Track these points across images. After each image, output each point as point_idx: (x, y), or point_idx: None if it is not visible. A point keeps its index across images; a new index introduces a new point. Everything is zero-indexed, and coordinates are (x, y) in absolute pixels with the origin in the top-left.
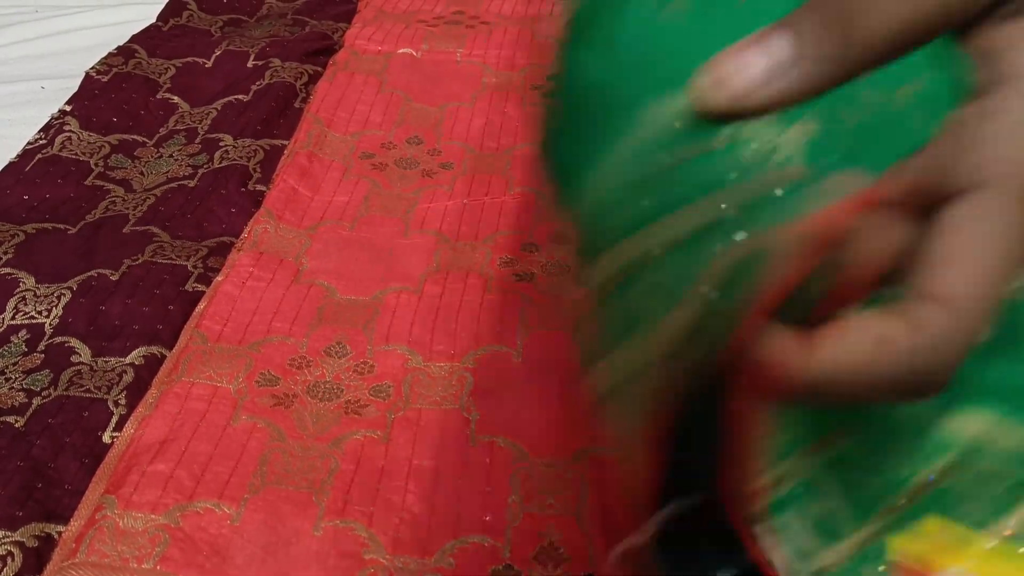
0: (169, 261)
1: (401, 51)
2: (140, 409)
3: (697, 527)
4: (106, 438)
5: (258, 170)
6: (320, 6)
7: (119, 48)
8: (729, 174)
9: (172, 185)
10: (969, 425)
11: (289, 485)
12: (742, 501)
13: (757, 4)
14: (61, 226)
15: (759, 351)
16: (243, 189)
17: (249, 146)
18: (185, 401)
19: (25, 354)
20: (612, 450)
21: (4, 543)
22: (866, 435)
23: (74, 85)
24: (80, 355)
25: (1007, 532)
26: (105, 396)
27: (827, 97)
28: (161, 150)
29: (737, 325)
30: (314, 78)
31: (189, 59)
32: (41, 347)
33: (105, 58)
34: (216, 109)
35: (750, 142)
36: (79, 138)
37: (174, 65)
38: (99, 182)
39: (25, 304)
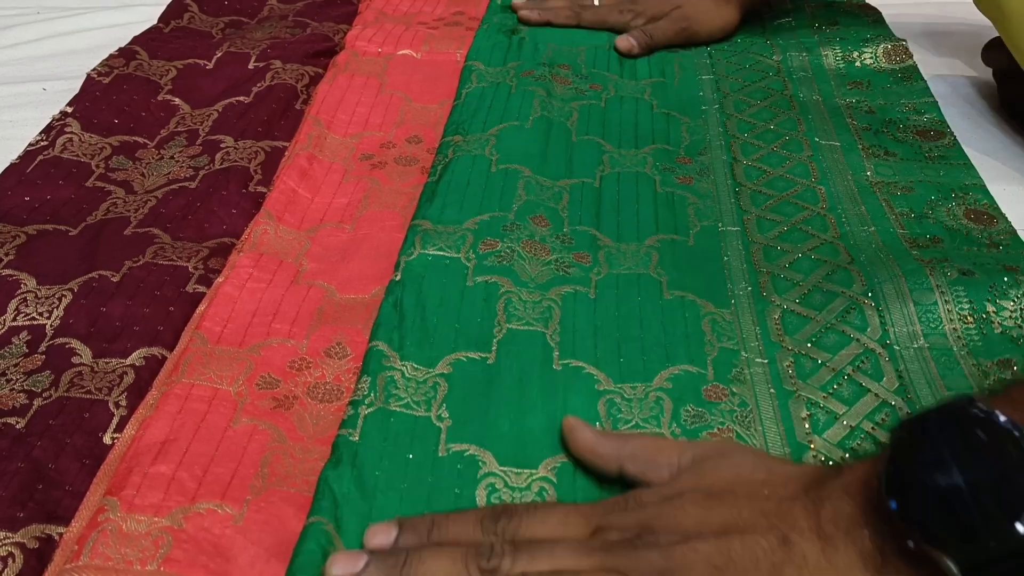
0: (170, 262)
1: (401, 52)
2: (141, 410)
3: None
4: (107, 439)
5: (259, 172)
6: (321, 8)
7: (120, 50)
8: None
9: (173, 187)
10: None
11: (291, 487)
12: None
13: None
14: (62, 228)
15: None
16: (244, 191)
17: (250, 148)
18: (185, 402)
19: (26, 355)
20: None
21: (5, 544)
22: None
23: (75, 86)
24: (81, 356)
25: None
26: (106, 397)
27: None
28: (162, 151)
29: None
30: (315, 80)
31: (190, 61)
32: (42, 348)
33: (106, 59)
34: (217, 111)
35: None
36: (80, 139)
37: (175, 67)
38: (100, 183)
39: (26, 305)
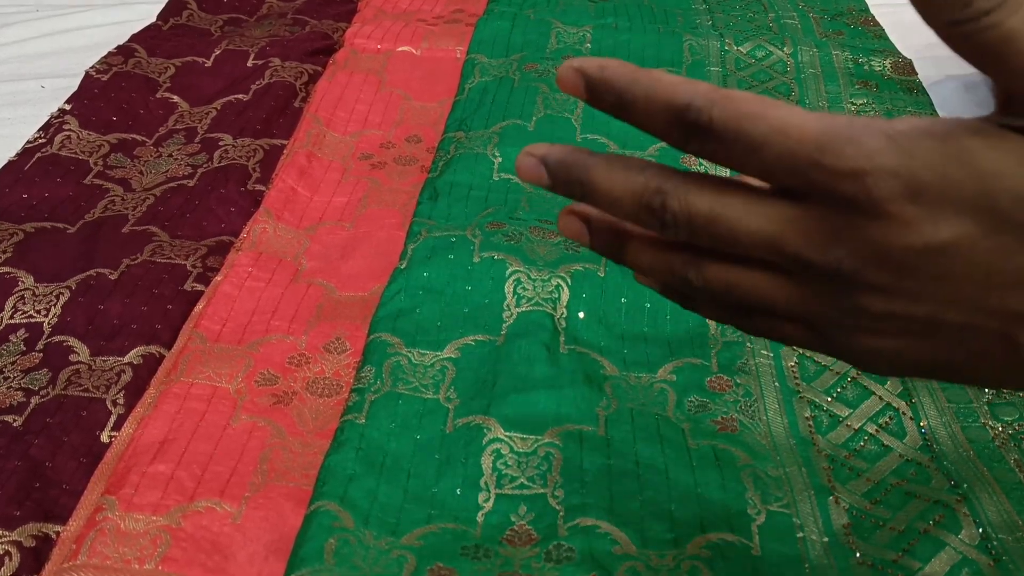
0: (168, 261)
1: (401, 49)
2: (139, 409)
3: None
4: (104, 438)
5: (257, 170)
6: (320, 6)
7: (119, 47)
8: None
9: (171, 184)
10: None
11: (290, 482)
12: None
13: None
14: (60, 225)
15: None
16: (242, 189)
17: (248, 146)
18: (184, 401)
19: (23, 353)
20: None
21: (2, 542)
22: None
23: (74, 84)
24: (78, 354)
25: None
26: (103, 395)
27: None
28: (160, 149)
29: None
30: (314, 77)
31: (189, 58)
32: (39, 346)
33: (105, 57)
34: (216, 108)
35: None
36: (78, 137)
37: (174, 64)
38: (98, 181)
39: (24, 303)
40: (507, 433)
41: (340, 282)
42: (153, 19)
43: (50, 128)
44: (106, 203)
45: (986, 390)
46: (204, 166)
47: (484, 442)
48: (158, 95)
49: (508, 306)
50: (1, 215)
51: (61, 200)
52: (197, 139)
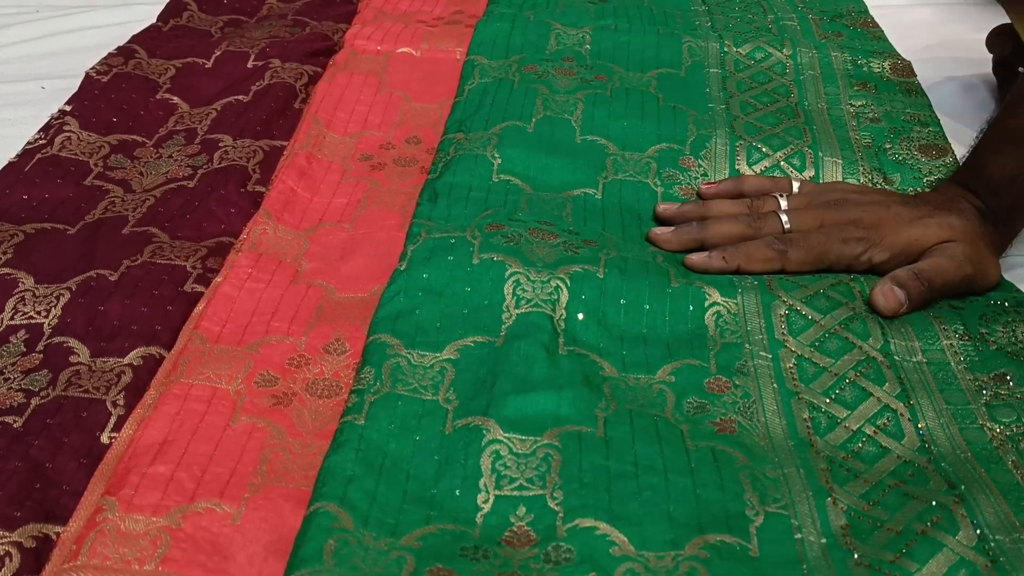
0: (168, 262)
1: (401, 50)
2: (139, 410)
3: None
4: (104, 439)
5: (257, 171)
6: (320, 7)
7: (119, 48)
8: None
9: (171, 186)
10: None
11: (289, 483)
12: None
13: None
14: (60, 226)
15: None
16: (242, 190)
17: (248, 147)
18: (184, 402)
19: (24, 354)
20: None
21: (2, 543)
22: None
23: (74, 85)
24: (79, 355)
25: None
26: (104, 396)
27: None
28: (160, 150)
29: None
30: (314, 79)
31: (189, 59)
32: (40, 347)
33: (105, 58)
34: (216, 110)
35: None
36: (79, 138)
37: (174, 65)
38: (98, 182)
39: (24, 304)
40: (506, 434)
41: (340, 283)
42: (153, 20)
43: (50, 129)
44: (106, 204)
45: (983, 391)
46: (204, 167)
47: (483, 443)
48: (158, 96)
49: (507, 307)
50: (1, 216)
51: (61, 201)
52: (197, 140)
